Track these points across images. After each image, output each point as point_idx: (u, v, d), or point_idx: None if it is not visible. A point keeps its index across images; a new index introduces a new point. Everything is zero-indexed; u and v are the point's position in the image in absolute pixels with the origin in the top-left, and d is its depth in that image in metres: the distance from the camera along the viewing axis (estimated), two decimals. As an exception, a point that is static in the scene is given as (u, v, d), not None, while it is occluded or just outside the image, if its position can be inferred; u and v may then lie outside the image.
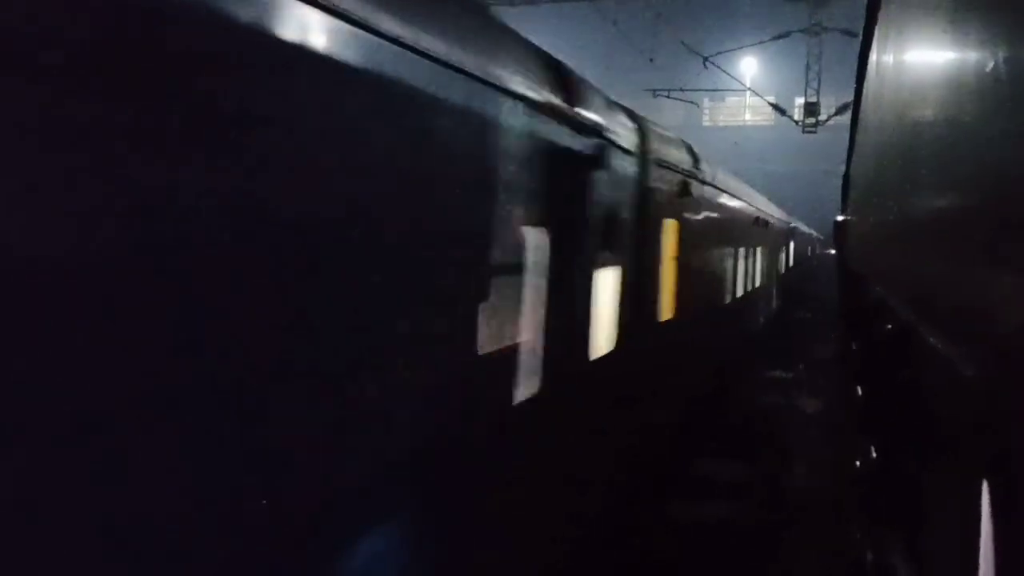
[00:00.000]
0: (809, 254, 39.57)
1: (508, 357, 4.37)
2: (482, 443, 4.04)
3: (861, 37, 5.57)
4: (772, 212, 19.94)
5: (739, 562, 7.50)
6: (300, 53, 2.57)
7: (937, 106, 1.79)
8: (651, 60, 26.73)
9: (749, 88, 32.44)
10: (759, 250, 17.17)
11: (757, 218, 15.72)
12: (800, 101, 30.69)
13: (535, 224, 4.65)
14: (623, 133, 6.34)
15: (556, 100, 4.82)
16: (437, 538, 3.61)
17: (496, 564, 4.29)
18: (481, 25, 4.13)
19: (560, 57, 5.24)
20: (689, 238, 8.95)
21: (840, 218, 13.27)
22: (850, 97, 8.62)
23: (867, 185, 5.16)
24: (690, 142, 9.53)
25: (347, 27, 2.78)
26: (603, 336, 6.12)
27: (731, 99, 50.99)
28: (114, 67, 1.90)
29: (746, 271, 15.07)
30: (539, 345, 4.73)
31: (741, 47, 31.95)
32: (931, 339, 1.68)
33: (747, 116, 54.19)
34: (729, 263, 12.80)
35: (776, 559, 7.60)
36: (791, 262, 27.08)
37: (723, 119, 55.08)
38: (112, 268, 1.89)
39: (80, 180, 1.84)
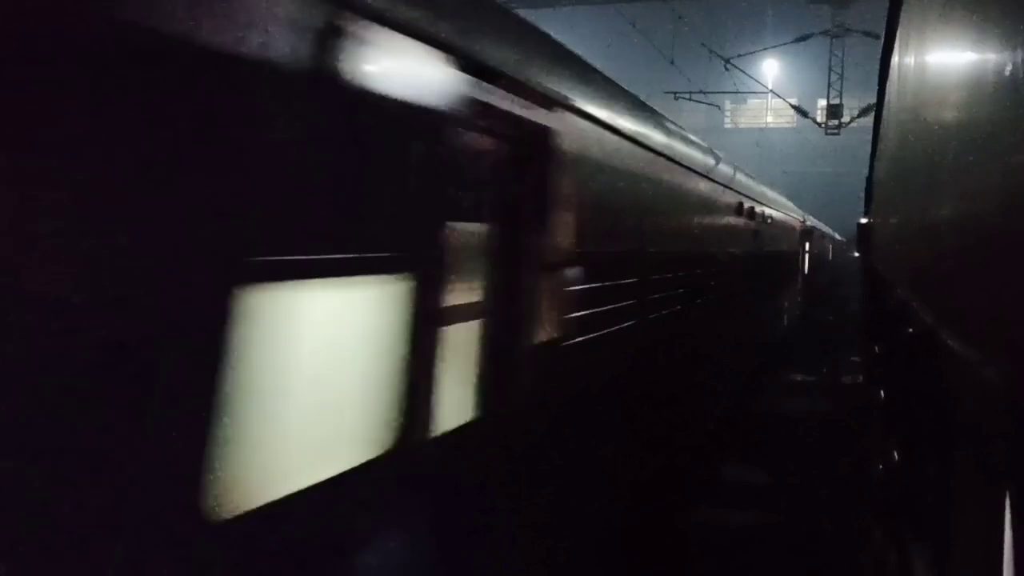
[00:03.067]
0: (839, 254, 41.31)
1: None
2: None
3: (883, 39, 5.54)
4: (828, 231, 35.08)
5: (761, 566, 7.46)
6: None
7: (959, 108, 1.78)
8: (672, 63, 26.66)
9: (771, 90, 32.31)
10: (827, 247, 34.31)
11: (823, 234, 30.60)
12: (822, 103, 30.51)
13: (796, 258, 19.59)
14: (798, 217, 20.33)
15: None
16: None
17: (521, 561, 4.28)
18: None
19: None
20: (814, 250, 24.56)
21: (864, 220, 13.19)
22: (873, 99, 8.57)
23: (890, 188, 5.14)
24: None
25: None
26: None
27: (753, 101, 50.74)
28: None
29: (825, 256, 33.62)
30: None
31: (763, 49, 31.84)
32: (953, 343, 1.66)
33: (769, 118, 53.90)
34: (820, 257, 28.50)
35: (798, 562, 7.55)
36: (831, 255, 37.99)
37: (745, 121, 54.83)
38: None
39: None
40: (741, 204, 10.71)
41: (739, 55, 25.72)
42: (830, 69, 28.69)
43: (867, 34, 23.25)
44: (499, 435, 3.58)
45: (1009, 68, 1.25)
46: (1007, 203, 1.30)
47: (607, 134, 4.81)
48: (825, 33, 28.69)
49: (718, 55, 24.46)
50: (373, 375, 2.63)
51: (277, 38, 2.10)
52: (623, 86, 6.36)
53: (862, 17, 26.60)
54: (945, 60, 2.10)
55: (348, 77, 2.40)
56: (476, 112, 3.10)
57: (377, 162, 2.63)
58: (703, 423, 9.41)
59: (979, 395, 1.44)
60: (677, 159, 6.67)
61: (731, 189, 10.03)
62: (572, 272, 4.23)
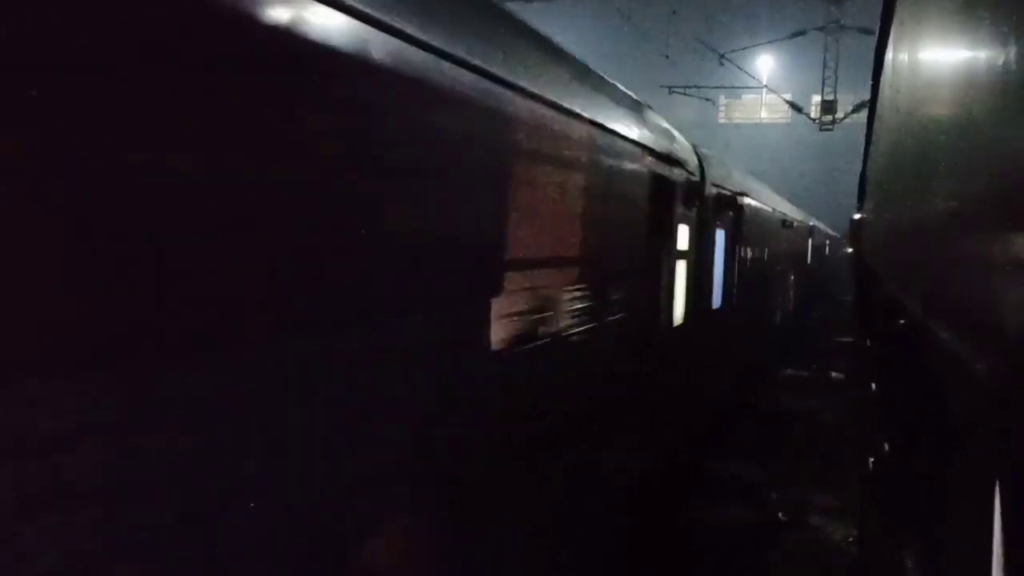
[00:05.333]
0: (830, 251, 41.32)
1: None
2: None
3: (877, 35, 5.55)
4: (822, 227, 34.02)
5: (751, 563, 7.49)
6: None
7: (949, 105, 1.78)
8: (666, 57, 26.66)
9: (765, 86, 32.34)
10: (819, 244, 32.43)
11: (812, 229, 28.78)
12: (817, 99, 30.55)
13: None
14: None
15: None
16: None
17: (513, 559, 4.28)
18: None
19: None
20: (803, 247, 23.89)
21: (856, 216, 13.23)
22: (867, 95, 8.59)
23: (882, 183, 5.15)
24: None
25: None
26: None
27: (747, 96, 50.71)
28: None
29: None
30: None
31: (758, 44, 31.84)
32: (943, 336, 1.67)
33: (763, 114, 53.90)
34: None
35: (788, 560, 7.58)
36: (824, 252, 36.43)
37: (739, 117, 54.80)
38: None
39: None
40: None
41: (734, 50, 25.71)
42: (824, 65, 28.72)
43: (862, 30, 23.28)
44: None
45: (1001, 65, 1.26)
46: (995, 198, 1.31)
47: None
48: (820, 29, 28.71)
49: (713, 49, 24.44)
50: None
51: None
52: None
53: (857, 13, 26.62)
54: (938, 56, 2.10)
55: None
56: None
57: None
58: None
59: (968, 388, 1.45)
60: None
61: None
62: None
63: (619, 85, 5.79)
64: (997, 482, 1.30)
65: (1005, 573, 1.24)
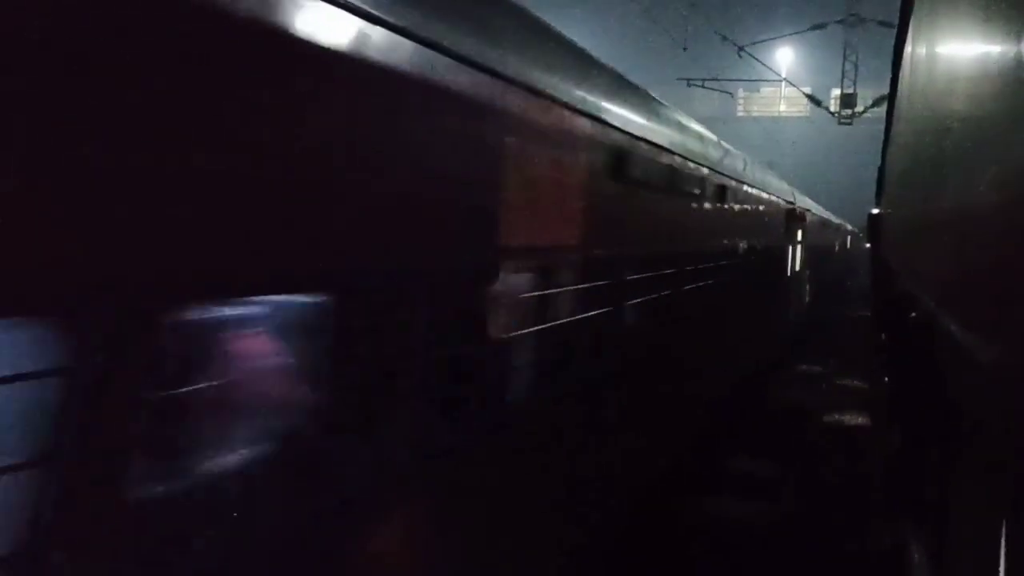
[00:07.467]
0: (849, 246, 40.82)
1: None
2: None
3: (896, 29, 5.52)
4: (837, 220, 34.83)
5: (761, 558, 7.50)
6: None
7: (965, 101, 1.79)
8: (685, 49, 26.50)
9: (784, 79, 32.10)
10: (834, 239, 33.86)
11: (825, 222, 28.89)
12: (836, 92, 30.28)
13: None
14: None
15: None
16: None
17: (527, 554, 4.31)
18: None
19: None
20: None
21: (874, 211, 13.13)
22: (887, 88, 8.52)
23: (899, 178, 5.13)
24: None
25: None
26: None
27: (766, 89, 50.38)
28: None
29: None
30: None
31: (777, 37, 31.60)
32: (952, 330, 1.69)
33: (782, 107, 53.58)
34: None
35: (799, 554, 7.58)
36: (839, 247, 37.51)
37: (757, 110, 54.46)
38: None
39: None
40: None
41: (753, 42, 25.51)
42: (844, 58, 28.46)
43: (882, 23, 23.03)
44: None
45: (1020, 59, 1.26)
46: (1010, 195, 1.32)
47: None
48: (840, 22, 28.43)
49: (731, 42, 24.25)
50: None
51: None
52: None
53: (877, 6, 26.36)
54: (955, 52, 2.10)
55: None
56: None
57: None
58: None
59: (976, 383, 1.47)
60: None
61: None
62: None
63: None
64: (1005, 475, 1.32)
65: (1011, 565, 1.26)
